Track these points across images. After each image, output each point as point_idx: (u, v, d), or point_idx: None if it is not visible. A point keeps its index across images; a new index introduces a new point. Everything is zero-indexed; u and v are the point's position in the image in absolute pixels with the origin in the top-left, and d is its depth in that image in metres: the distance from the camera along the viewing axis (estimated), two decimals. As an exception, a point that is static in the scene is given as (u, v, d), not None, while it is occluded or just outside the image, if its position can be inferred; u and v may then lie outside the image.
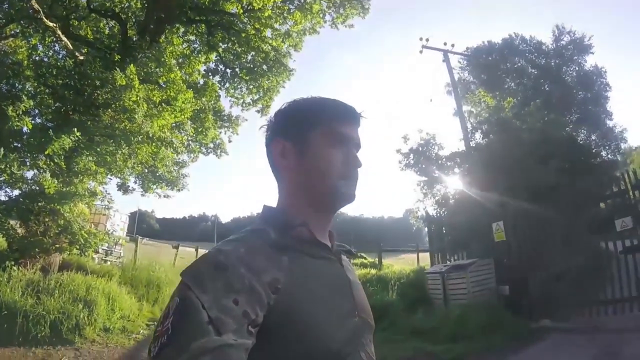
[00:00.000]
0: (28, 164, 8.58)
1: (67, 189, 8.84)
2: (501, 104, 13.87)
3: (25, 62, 9.73)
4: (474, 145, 13.15)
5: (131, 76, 8.98)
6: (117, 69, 8.82)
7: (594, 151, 13.27)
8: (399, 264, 13.95)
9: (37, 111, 9.41)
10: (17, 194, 8.85)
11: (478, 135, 13.39)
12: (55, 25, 9.28)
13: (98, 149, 9.41)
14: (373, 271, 12.31)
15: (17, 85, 8.96)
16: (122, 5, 11.47)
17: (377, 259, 14.73)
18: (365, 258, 17.02)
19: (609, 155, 13.80)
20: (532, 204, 9.14)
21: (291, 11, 12.11)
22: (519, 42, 14.95)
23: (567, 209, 8.95)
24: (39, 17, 8.95)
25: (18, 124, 7.90)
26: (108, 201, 10.01)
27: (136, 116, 9.22)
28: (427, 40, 14.24)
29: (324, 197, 0.96)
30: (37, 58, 10.60)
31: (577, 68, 14.11)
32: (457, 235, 11.50)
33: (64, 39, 9.04)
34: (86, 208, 9.72)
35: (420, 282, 10.31)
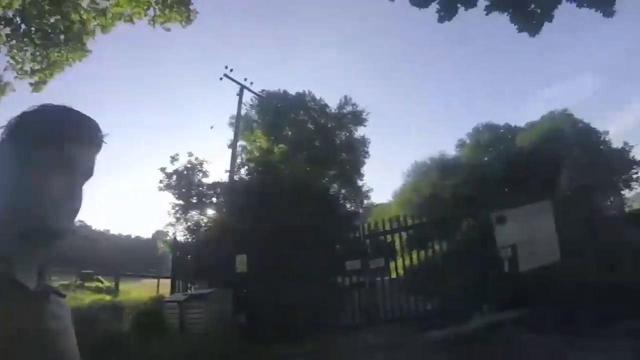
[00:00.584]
0: None
1: None
2: (273, 148, 15.53)
3: None
4: (237, 179, 14.08)
5: None
6: None
7: (341, 202, 16.12)
8: (140, 290, 13.15)
9: None
10: None
11: (244, 171, 14.45)
12: None
13: None
14: (109, 297, 11.33)
15: None
16: None
17: (114, 283, 13.61)
18: (101, 282, 15.46)
19: (352, 208, 17.04)
20: (280, 241, 10.11)
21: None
22: (309, 99, 17.09)
23: (311, 247, 10.30)
24: None
25: None
26: None
27: None
28: (231, 70, 14.89)
29: (33, 226, 0.81)
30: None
31: (347, 134, 17.19)
32: (202, 264, 11.78)
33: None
34: None
35: (158, 310, 10.08)
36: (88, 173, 0.89)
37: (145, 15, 12.04)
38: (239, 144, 15.65)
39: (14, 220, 0.80)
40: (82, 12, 11.36)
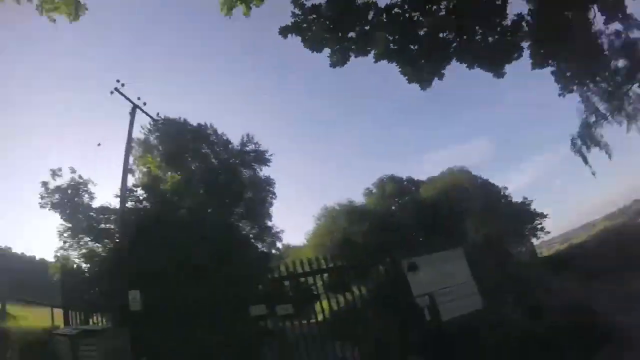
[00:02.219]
0: None
1: None
2: (165, 175, 14.98)
3: None
4: (130, 206, 13.19)
5: None
6: None
7: (252, 242, 15.73)
8: (32, 318, 11.87)
9: None
10: None
11: (133, 198, 13.66)
12: None
13: None
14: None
15: None
16: None
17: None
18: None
19: (264, 249, 16.52)
20: (179, 277, 9.70)
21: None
22: (211, 132, 16.71)
23: (218, 288, 9.68)
24: None
25: None
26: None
27: None
28: (122, 85, 14.15)
29: None
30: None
31: (252, 172, 16.81)
32: (96, 297, 10.99)
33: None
34: None
35: (48, 343, 9.25)
36: None
37: None
38: (132, 167, 15.10)
39: None
40: None
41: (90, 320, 10.72)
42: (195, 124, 16.50)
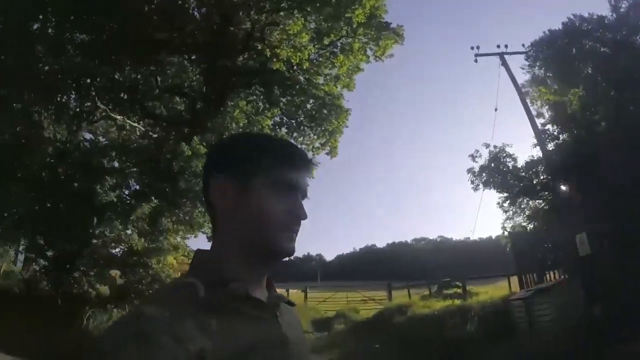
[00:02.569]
0: (119, 228, 10.03)
1: (154, 245, 10.15)
2: (568, 97, 12.16)
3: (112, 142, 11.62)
4: (551, 148, 11.75)
5: (197, 146, 9.96)
6: (183, 142, 9.97)
7: None
8: (492, 291, 12.66)
9: (123, 184, 10.87)
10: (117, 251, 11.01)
11: (551, 138, 11.95)
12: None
13: (177, 211, 10.52)
14: (457, 302, 11.35)
15: (104, 163, 10.59)
16: (187, 83, 12.92)
17: (462, 288, 13.61)
18: (458, 287, 15.83)
19: None
20: (620, 207, 7.80)
21: (336, 54, 12.52)
22: (580, 22, 12.78)
23: None
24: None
25: (106, 198, 9.33)
26: (187, 253, 11.00)
27: None
28: (477, 47, 13.67)
29: (263, 248, 0.87)
30: (120, 140, 12.33)
31: None
32: (543, 253, 10.25)
33: (137, 125, 10.64)
34: (173, 259, 11.03)
35: (505, 310, 9.30)
36: (305, 194, 0.93)
37: (367, 57, 12.87)
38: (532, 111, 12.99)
39: (244, 245, 0.86)
40: (323, 87, 13.26)
41: (544, 279, 10.19)
42: (559, 27, 13.91)
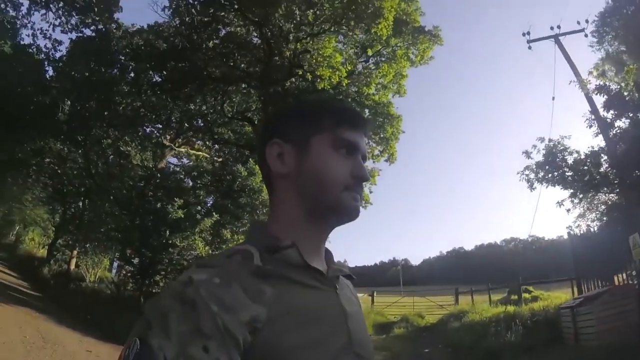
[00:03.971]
0: (190, 238, 11.27)
1: (217, 252, 11.26)
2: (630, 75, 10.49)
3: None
4: (615, 136, 10.52)
5: (252, 166, 10.91)
6: (240, 164, 11.01)
7: None
8: (556, 296, 11.61)
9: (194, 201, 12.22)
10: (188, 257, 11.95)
11: (617, 124, 10.64)
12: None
13: (236, 223, 11.55)
14: (511, 308, 10.69)
15: (174, 184, 12.02)
16: (251, 109, 14.03)
17: (518, 293, 12.64)
18: (530, 292, 14.77)
19: None
20: None
21: (379, 64, 12.71)
22: None
23: None
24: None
25: (175, 215, 10.64)
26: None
27: (263, 194, 11.07)
28: (528, 33, 12.52)
29: (326, 209, 0.82)
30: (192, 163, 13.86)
31: None
32: (599, 256, 9.27)
33: (204, 154, 11.99)
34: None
35: (555, 320, 8.63)
36: (365, 156, 0.87)
37: (410, 62, 12.70)
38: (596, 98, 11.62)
39: (306, 209, 0.81)
40: (374, 97, 13.35)
41: (599, 285, 9.23)
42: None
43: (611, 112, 10.66)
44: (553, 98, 17.02)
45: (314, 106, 0.90)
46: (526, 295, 14.07)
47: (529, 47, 12.59)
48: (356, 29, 11.04)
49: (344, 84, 12.10)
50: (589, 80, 11.26)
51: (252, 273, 0.70)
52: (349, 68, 11.71)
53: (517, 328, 8.59)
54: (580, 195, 11.59)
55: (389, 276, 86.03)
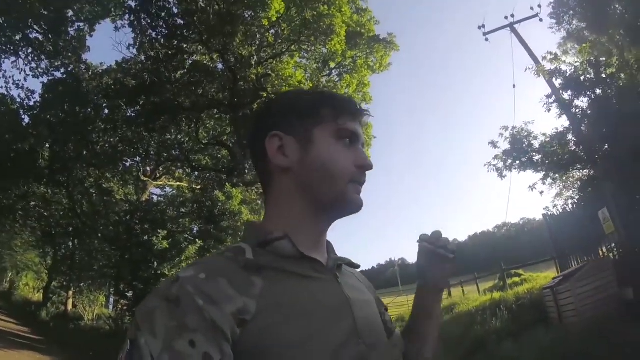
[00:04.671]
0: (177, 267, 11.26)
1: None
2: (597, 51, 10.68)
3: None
4: (577, 115, 10.72)
5: (229, 190, 10.99)
6: (217, 190, 11.10)
7: None
8: (542, 278, 11.75)
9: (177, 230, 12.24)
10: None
11: (576, 103, 10.85)
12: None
13: (220, 247, 11.60)
14: (497, 295, 10.84)
15: (159, 215, 12.07)
16: (225, 133, 14.20)
17: (502, 278, 12.82)
18: (520, 275, 14.96)
19: None
20: None
21: (342, 76, 13.02)
22: None
23: None
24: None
25: (160, 246, 10.69)
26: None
27: (243, 216, 11.15)
28: (484, 26, 12.71)
29: (330, 202, 0.79)
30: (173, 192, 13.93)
31: None
32: (577, 233, 9.44)
33: (184, 183, 12.09)
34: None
35: (539, 301, 8.78)
36: (364, 144, 0.86)
37: (371, 71, 13.00)
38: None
39: (308, 201, 0.79)
40: None
41: (579, 262, 9.42)
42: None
43: (569, 92, 10.92)
44: (514, 86, 17.40)
45: (312, 97, 0.85)
46: (516, 279, 14.24)
47: (486, 39, 12.84)
48: (317, 44, 11.30)
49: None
50: (544, 66, 11.55)
51: (242, 267, 0.68)
52: (311, 84, 11.94)
53: (502, 314, 8.71)
54: (556, 176, 11.79)
55: (387, 278, 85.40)
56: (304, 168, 0.78)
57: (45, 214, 16.10)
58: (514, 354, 6.80)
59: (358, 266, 0.92)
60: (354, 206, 0.80)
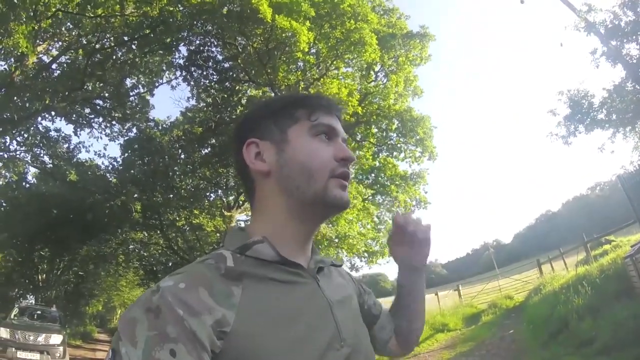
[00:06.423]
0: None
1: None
2: None
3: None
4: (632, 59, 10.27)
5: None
6: None
7: None
8: (626, 247, 11.18)
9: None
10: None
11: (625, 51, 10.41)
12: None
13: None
14: (581, 270, 10.59)
15: None
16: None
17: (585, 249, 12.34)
18: (611, 242, 14.16)
19: None
20: None
21: (388, 76, 13.57)
22: None
23: None
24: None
25: None
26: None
27: None
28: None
29: (312, 200, 0.77)
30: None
31: None
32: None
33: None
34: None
35: (624, 270, 8.55)
36: (345, 138, 0.86)
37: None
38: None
39: (291, 204, 0.79)
40: (395, 107, 13.80)
41: None
42: None
43: (614, 41, 10.57)
44: (561, 44, 16.80)
45: (283, 99, 0.87)
46: (607, 247, 13.58)
47: (522, 2, 12.90)
48: (354, 55, 12.01)
49: (359, 112, 12.99)
50: (585, 18, 11.24)
51: (222, 275, 0.68)
52: (358, 97, 12.62)
53: (585, 289, 8.64)
54: (628, 129, 11.34)
55: (482, 262, 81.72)
56: (283, 169, 0.78)
57: (145, 254, 18.39)
58: (591, 334, 6.77)
59: (340, 265, 0.95)
60: (338, 202, 0.79)
